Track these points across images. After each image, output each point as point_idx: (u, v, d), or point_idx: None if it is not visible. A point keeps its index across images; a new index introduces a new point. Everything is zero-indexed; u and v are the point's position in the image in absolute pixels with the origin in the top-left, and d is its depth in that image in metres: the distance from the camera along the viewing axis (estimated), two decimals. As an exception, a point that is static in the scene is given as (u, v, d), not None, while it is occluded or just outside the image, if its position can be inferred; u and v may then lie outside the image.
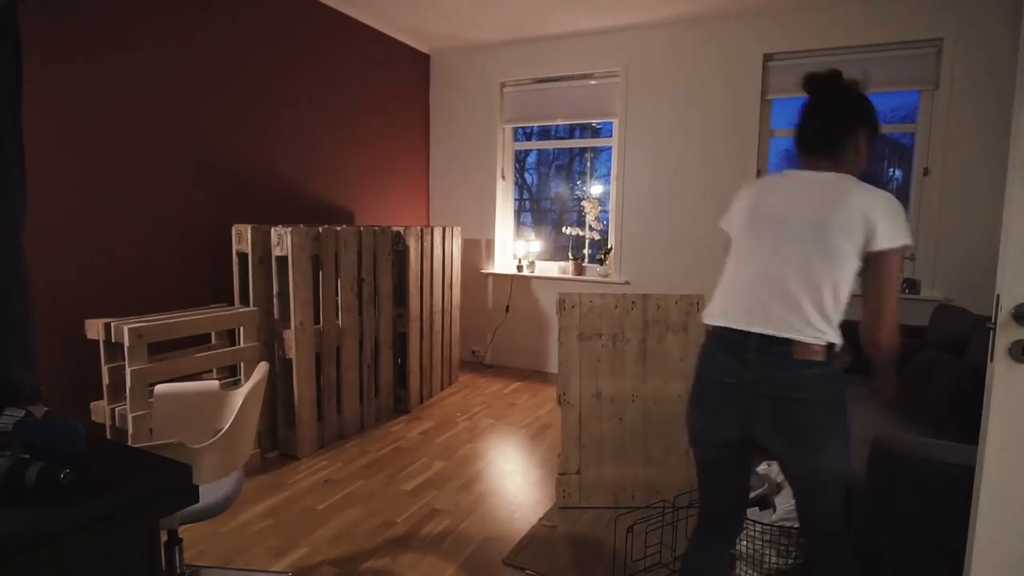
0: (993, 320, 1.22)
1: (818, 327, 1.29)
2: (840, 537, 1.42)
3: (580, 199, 4.86)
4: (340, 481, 2.77)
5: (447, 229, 4.19)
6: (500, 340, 4.96)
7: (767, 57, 3.97)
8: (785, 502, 1.90)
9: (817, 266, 1.30)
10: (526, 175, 5.22)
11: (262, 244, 3.01)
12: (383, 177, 4.58)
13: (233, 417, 1.56)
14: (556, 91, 4.66)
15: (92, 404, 2.61)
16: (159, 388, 1.81)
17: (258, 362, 2.88)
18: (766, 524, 1.86)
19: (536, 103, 4.74)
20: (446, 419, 3.67)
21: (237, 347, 2.80)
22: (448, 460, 3.05)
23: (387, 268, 3.58)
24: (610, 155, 4.57)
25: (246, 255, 3.02)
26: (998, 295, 1.21)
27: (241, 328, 2.82)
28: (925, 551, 1.58)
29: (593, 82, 4.54)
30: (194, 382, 1.87)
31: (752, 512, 1.90)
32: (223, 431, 1.53)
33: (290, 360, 3.02)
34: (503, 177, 4.94)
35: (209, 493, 1.62)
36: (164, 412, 1.79)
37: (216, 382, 1.89)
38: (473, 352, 5.10)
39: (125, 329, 2.33)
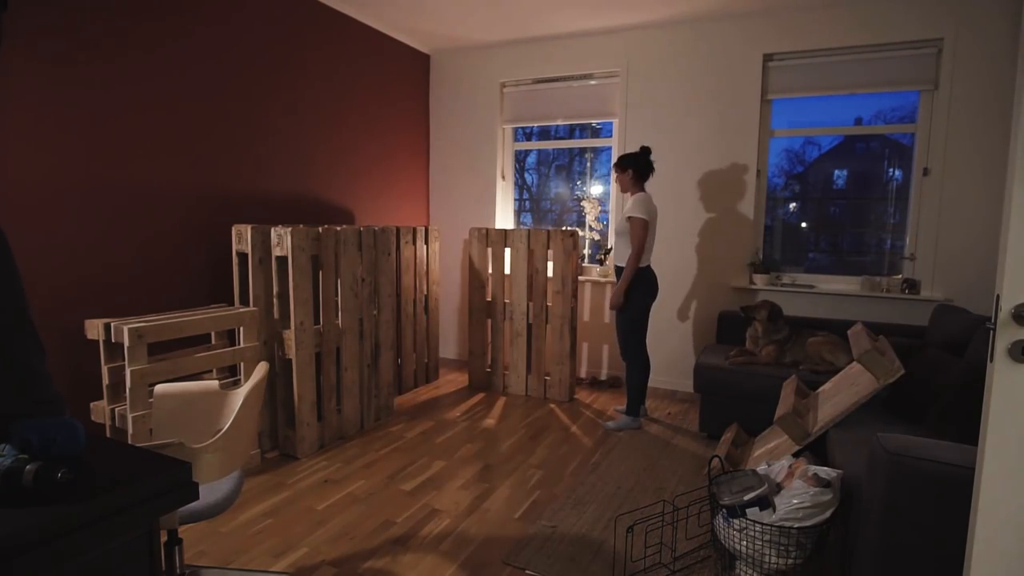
0: (993, 320, 1.22)
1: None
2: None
3: (580, 199, 4.85)
4: (340, 481, 2.77)
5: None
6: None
7: (767, 57, 3.97)
8: (785, 502, 1.90)
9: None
10: (526, 175, 5.22)
11: (262, 244, 3.01)
12: (383, 177, 4.58)
13: (233, 417, 1.56)
14: (556, 91, 4.66)
15: (92, 404, 2.61)
16: (159, 388, 1.81)
17: (258, 362, 2.88)
18: (766, 524, 1.86)
19: (536, 103, 4.74)
20: (446, 419, 3.67)
21: (237, 347, 2.80)
22: (448, 460, 3.05)
23: (387, 268, 3.58)
24: (610, 155, 4.56)
25: (246, 255, 3.02)
26: (998, 295, 1.21)
27: (241, 328, 2.82)
28: (926, 551, 1.58)
29: (593, 82, 4.54)
30: (194, 382, 1.87)
31: (752, 512, 1.90)
32: (223, 431, 1.53)
33: (290, 360, 3.02)
34: (503, 177, 4.95)
35: (209, 493, 1.62)
36: (164, 412, 1.79)
37: (216, 382, 1.89)
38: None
39: (125, 329, 2.33)
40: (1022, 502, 1.24)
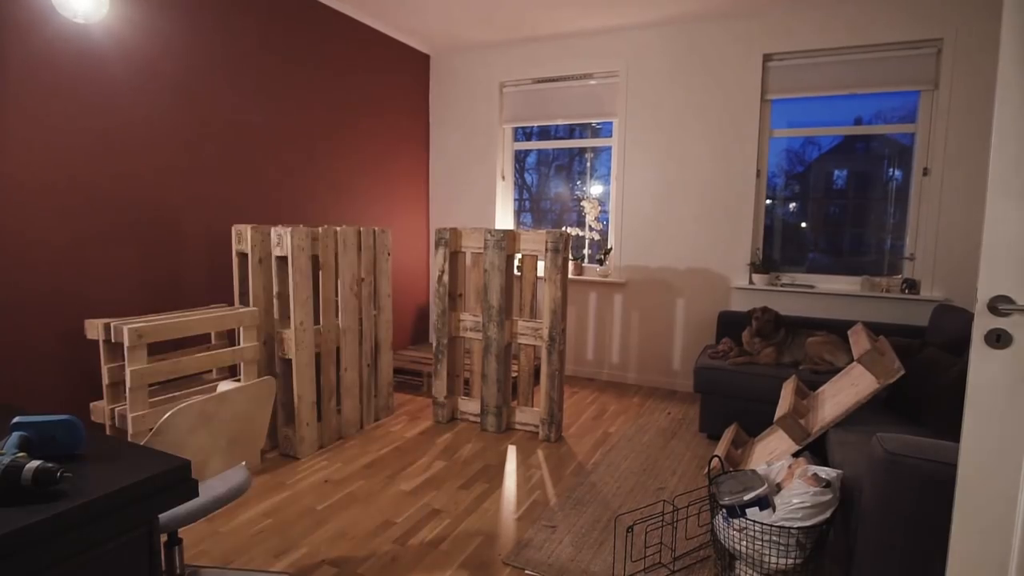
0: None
1: None
2: None
3: (580, 199, 4.86)
4: (340, 481, 2.77)
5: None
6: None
7: (767, 57, 3.97)
8: (785, 502, 1.89)
9: None
10: (526, 175, 5.22)
11: (262, 244, 3.01)
12: (383, 177, 4.58)
13: (220, 391, 1.56)
14: (556, 91, 4.66)
15: (92, 404, 2.61)
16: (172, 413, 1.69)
17: (258, 362, 2.88)
18: (766, 524, 1.86)
19: (536, 103, 4.74)
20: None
21: (237, 347, 2.80)
22: (448, 460, 3.05)
23: (387, 268, 3.58)
24: (610, 155, 4.57)
25: (246, 255, 3.02)
26: (977, 288, 1.32)
27: (241, 328, 2.82)
28: (926, 551, 1.58)
29: (593, 82, 4.54)
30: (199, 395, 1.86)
31: (752, 512, 1.90)
32: (210, 396, 1.53)
33: (290, 360, 3.02)
34: (503, 177, 4.95)
35: (209, 489, 1.62)
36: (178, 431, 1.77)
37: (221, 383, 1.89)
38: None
39: (125, 329, 2.33)
40: (995, 469, 1.34)
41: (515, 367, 4.04)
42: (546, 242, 3.26)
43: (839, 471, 1.98)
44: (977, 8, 3.43)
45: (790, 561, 1.86)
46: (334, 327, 3.22)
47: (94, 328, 2.49)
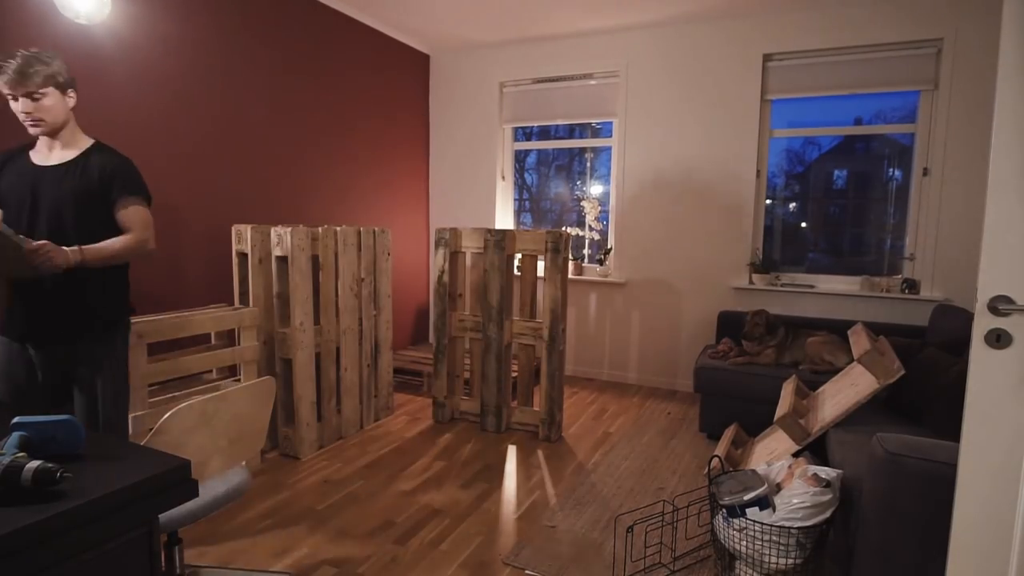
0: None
1: None
2: None
3: (580, 199, 4.86)
4: (340, 481, 2.77)
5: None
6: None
7: (767, 57, 3.97)
8: (785, 502, 1.90)
9: None
10: (526, 175, 5.22)
11: (262, 244, 3.01)
12: (383, 177, 4.58)
13: (219, 394, 1.56)
14: (556, 91, 4.66)
15: (92, 404, 2.61)
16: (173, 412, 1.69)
17: (258, 362, 2.88)
18: (766, 524, 1.86)
19: (536, 103, 4.74)
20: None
21: (237, 347, 2.80)
22: (448, 460, 3.05)
23: (387, 268, 3.58)
24: (610, 155, 4.57)
25: (246, 255, 3.02)
26: (977, 288, 1.32)
27: (241, 328, 2.82)
28: (926, 551, 1.58)
29: (593, 82, 4.54)
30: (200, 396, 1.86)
31: (752, 512, 1.90)
32: (207, 398, 1.53)
33: (290, 360, 3.02)
34: (503, 177, 4.95)
35: (209, 489, 1.62)
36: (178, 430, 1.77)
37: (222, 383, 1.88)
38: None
39: (125, 329, 2.32)
40: (995, 470, 1.35)
41: (515, 367, 4.04)
42: (546, 242, 3.26)
43: (839, 471, 1.98)
44: (977, 8, 3.43)
45: (790, 561, 1.86)
46: (334, 327, 3.22)
47: (94, 328, 2.49)
